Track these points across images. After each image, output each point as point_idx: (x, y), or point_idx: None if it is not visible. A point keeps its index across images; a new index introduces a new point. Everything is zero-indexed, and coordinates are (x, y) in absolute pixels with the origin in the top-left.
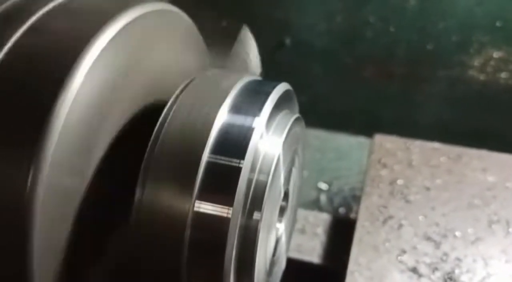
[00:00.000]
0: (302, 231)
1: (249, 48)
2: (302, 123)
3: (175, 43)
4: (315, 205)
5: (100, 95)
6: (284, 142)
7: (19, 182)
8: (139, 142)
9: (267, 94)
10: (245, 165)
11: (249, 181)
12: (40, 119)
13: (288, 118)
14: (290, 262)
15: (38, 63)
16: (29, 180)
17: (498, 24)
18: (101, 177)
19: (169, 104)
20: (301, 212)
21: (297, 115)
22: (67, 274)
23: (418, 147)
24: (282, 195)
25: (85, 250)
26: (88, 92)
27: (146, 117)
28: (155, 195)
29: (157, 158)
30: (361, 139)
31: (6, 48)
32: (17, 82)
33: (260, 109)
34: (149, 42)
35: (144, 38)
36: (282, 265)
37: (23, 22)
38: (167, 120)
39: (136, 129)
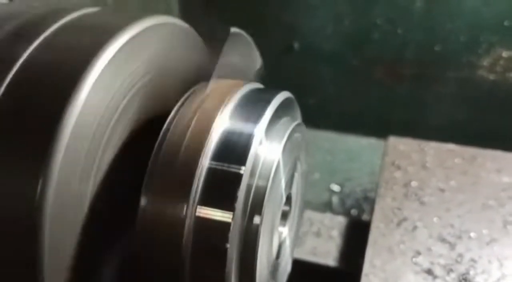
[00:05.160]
0: (318, 234)
1: (243, 50)
2: (304, 129)
3: (179, 55)
4: (327, 206)
5: (106, 107)
6: (284, 148)
7: (29, 191)
8: (144, 150)
9: (267, 102)
10: (245, 171)
11: (249, 186)
12: (48, 131)
13: (288, 125)
14: (306, 265)
15: (47, 78)
16: (38, 189)
17: (506, 23)
18: (107, 184)
19: (172, 114)
20: (316, 215)
21: (297, 122)
22: (76, 280)
23: (432, 149)
24: (284, 199)
25: (93, 256)
26: (94, 105)
27: (150, 127)
28: (158, 201)
29: (160, 166)
30: (372, 141)
31: (18, 64)
32: (28, 96)
33: (260, 116)
34: (153, 55)
35: (148, 52)
36: (287, 268)
37: (35, 38)
38: (170, 130)
39: (141, 138)
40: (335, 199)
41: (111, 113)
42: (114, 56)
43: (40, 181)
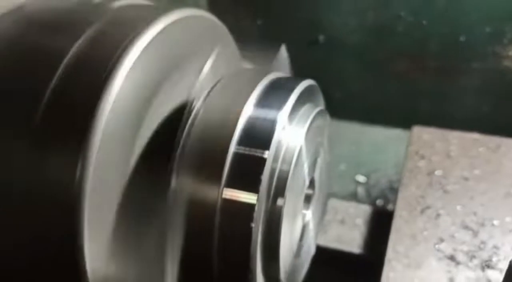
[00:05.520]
0: (342, 222)
1: (284, 66)
2: (326, 116)
3: (209, 47)
4: (353, 197)
5: (140, 93)
6: (307, 134)
7: (68, 175)
8: (176, 135)
9: (291, 89)
10: (269, 155)
11: (273, 170)
12: (86, 117)
13: (311, 111)
14: (330, 252)
15: (87, 65)
16: (78, 172)
17: None
18: (141, 166)
19: (200, 101)
20: (341, 204)
21: (320, 108)
22: (114, 260)
23: (457, 138)
24: (307, 183)
25: (128, 236)
26: (129, 92)
27: (181, 113)
28: (187, 184)
29: (189, 150)
30: (398, 132)
31: (66, 59)
32: (68, 83)
33: (283, 103)
34: (185, 45)
35: (180, 42)
36: (311, 250)
37: (79, 32)
38: (198, 116)
39: (172, 124)
40: (360, 190)
41: (144, 100)
42: (145, 48)
43: (79, 165)
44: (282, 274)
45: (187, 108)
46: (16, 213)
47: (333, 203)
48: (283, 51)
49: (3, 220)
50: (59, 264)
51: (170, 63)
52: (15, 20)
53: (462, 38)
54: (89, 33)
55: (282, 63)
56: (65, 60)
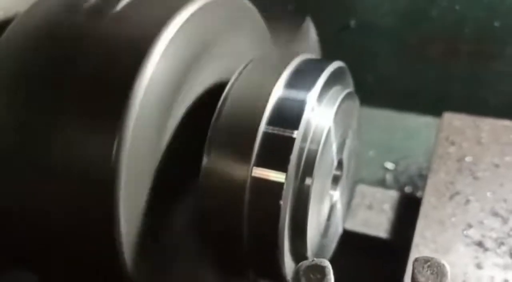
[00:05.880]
0: (369, 207)
1: (310, 36)
2: (355, 98)
3: (240, 29)
4: (381, 184)
5: (174, 74)
6: (335, 115)
7: (106, 150)
8: (207, 115)
9: (320, 71)
10: (298, 135)
11: (301, 150)
12: (123, 92)
13: (340, 92)
14: (357, 236)
15: (123, 44)
16: (114, 148)
17: None
18: (174, 145)
19: (231, 82)
20: (369, 189)
21: (349, 90)
22: (147, 234)
23: (488, 125)
24: (335, 164)
25: (161, 211)
26: (163, 72)
27: (213, 94)
28: (218, 162)
29: (220, 129)
30: (429, 119)
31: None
32: (105, 62)
33: (313, 84)
34: (216, 27)
35: (212, 24)
36: (338, 230)
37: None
38: (229, 96)
39: (204, 104)
40: (389, 177)
41: (178, 80)
42: (179, 29)
43: (116, 142)
44: (309, 252)
45: (219, 88)
46: (56, 185)
47: (361, 188)
48: (309, 23)
49: (45, 191)
50: (96, 237)
51: (202, 43)
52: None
53: (497, 23)
54: (124, 9)
55: (308, 35)
56: (102, 38)
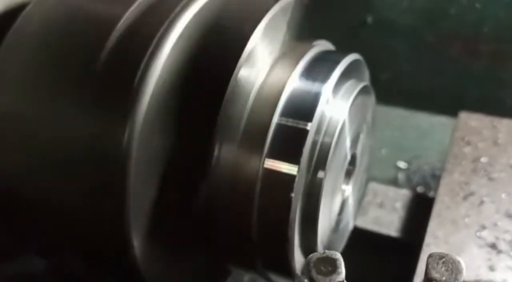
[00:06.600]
0: (381, 205)
1: None
2: (371, 92)
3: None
4: (393, 183)
5: (187, 61)
6: (350, 108)
7: (117, 138)
8: (219, 103)
9: (336, 63)
10: (311, 127)
11: (315, 142)
12: (134, 86)
13: (356, 86)
14: (368, 234)
15: (141, 33)
16: (125, 136)
17: None
18: (186, 132)
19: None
20: (380, 187)
21: (365, 83)
22: (158, 223)
23: (505, 126)
24: (349, 158)
25: (170, 202)
26: (173, 65)
27: (225, 82)
28: (230, 152)
29: (232, 119)
30: (443, 119)
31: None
32: (121, 51)
33: (328, 76)
34: (229, 16)
35: (226, 13)
36: (349, 225)
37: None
38: (240, 84)
39: (216, 93)
40: (401, 176)
41: (189, 74)
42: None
43: (127, 130)
44: (319, 247)
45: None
46: (71, 164)
47: (373, 186)
48: None
49: (60, 170)
50: (107, 221)
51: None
52: None
53: None
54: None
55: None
56: (120, 25)
